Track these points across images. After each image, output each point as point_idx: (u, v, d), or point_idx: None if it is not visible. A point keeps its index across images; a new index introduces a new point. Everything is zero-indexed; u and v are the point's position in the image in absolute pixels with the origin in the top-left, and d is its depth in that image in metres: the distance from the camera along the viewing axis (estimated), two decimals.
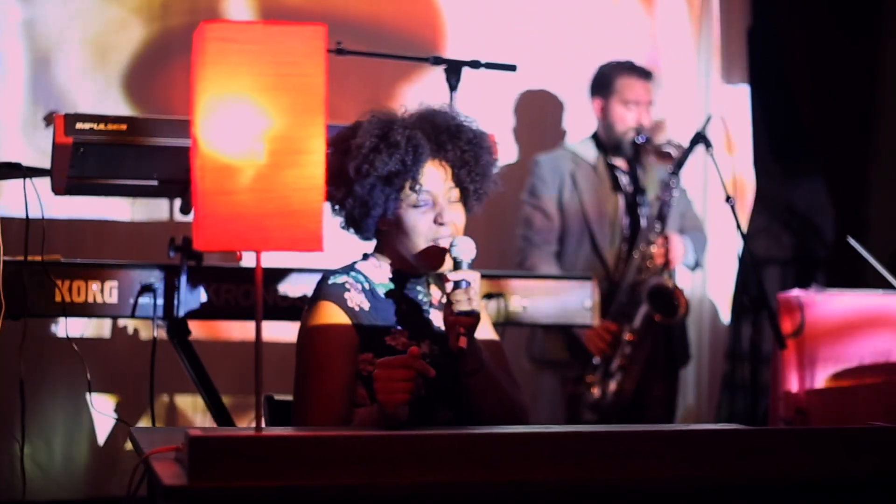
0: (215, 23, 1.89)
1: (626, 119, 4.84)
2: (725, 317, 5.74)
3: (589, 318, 3.95)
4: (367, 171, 2.64)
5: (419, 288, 2.80)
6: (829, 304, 4.36)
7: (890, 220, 6.05)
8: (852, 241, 4.42)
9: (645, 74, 4.92)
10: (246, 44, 1.89)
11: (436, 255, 2.69)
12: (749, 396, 4.82)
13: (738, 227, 4.32)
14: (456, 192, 2.72)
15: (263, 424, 2.81)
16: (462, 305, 2.53)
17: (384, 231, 2.75)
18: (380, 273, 2.77)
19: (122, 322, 4.69)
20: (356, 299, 2.70)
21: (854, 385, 4.20)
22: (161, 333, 3.59)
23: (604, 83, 4.92)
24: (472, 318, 2.55)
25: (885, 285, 4.38)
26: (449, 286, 2.57)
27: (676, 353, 4.98)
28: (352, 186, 2.66)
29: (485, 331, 2.80)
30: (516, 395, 2.77)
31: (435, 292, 2.83)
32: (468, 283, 2.56)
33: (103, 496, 4.76)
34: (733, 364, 5.89)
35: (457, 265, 2.60)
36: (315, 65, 1.91)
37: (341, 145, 2.69)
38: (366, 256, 2.82)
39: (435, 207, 2.68)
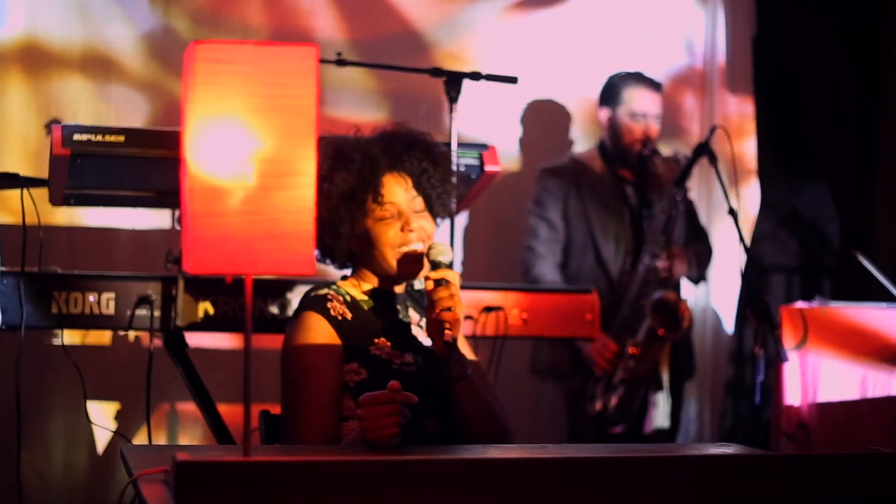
0: (205, 43, 1.87)
1: (633, 131, 4.82)
2: (729, 327, 5.71)
3: (590, 331, 3.92)
4: (328, 191, 2.69)
5: (398, 307, 2.83)
6: (832, 316, 4.33)
7: (895, 229, 6.02)
8: (857, 254, 4.40)
9: (654, 86, 4.89)
10: (236, 64, 1.87)
11: (413, 260, 2.73)
12: (752, 404, 4.79)
13: (741, 239, 4.29)
14: (420, 201, 2.77)
15: (259, 443, 2.82)
16: (445, 302, 2.58)
17: (357, 252, 2.80)
18: (360, 292, 2.81)
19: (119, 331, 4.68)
20: (338, 309, 2.73)
21: (857, 399, 4.17)
22: (158, 344, 3.58)
23: (612, 94, 4.89)
24: (456, 314, 2.59)
25: (890, 298, 4.36)
26: (430, 285, 2.61)
27: (681, 366, 4.95)
28: (317, 211, 2.67)
29: (464, 351, 2.81)
30: (502, 412, 2.77)
31: (413, 315, 2.86)
32: (447, 282, 2.60)
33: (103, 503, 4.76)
34: (738, 368, 5.87)
35: (435, 266, 2.66)
36: (306, 86, 1.89)
37: None
38: (345, 277, 2.86)
39: (401, 217, 2.74)
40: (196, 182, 1.86)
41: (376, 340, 2.73)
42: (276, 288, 3.62)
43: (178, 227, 4.29)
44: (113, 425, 4.67)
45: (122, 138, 3.38)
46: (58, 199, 3.58)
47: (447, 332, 2.57)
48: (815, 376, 4.26)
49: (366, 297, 2.80)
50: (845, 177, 6.07)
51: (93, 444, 4.73)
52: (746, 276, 4.55)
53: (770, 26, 5.92)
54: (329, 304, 2.73)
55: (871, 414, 4.12)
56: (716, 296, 5.66)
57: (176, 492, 1.79)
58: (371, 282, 2.81)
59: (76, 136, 3.33)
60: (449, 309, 2.58)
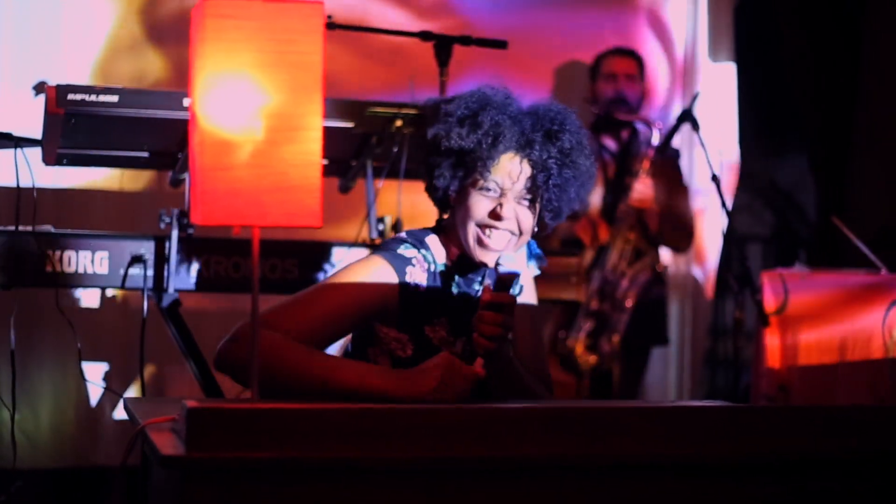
0: None
1: (606, 90, 5.04)
2: (709, 293, 5.78)
3: (576, 294, 3.98)
4: (442, 138, 2.53)
5: (476, 286, 2.66)
6: (812, 282, 4.40)
7: (871, 200, 6.09)
8: (837, 222, 4.47)
9: (625, 53, 5.14)
10: (245, 20, 1.91)
11: (481, 246, 2.55)
12: (730, 373, 4.86)
13: (724, 204, 4.36)
14: (529, 191, 2.56)
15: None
16: (487, 329, 2.40)
17: (453, 209, 2.62)
18: (443, 254, 2.64)
19: (110, 291, 4.70)
20: (416, 277, 2.57)
21: (836, 362, 4.25)
22: (151, 304, 3.61)
23: (594, 69, 5.15)
24: (494, 345, 2.41)
25: (867, 264, 4.43)
26: (485, 296, 2.43)
27: (647, 330, 5.07)
28: (427, 155, 2.58)
29: (525, 295, 2.73)
30: (537, 386, 2.67)
31: None
32: (504, 308, 2.40)
33: (90, 465, 4.78)
34: (715, 341, 5.95)
35: (499, 281, 2.44)
36: (313, 42, 1.93)
37: (436, 112, 2.58)
38: (437, 230, 2.68)
39: (500, 199, 2.54)
40: (206, 136, 1.90)
41: (436, 320, 2.59)
42: (267, 248, 3.65)
43: (168, 188, 4.33)
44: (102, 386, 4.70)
45: (115, 98, 3.41)
46: (51, 159, 3.60)
47: (479, 358, 2.41)
48: (796, 340, 4.34)
49: (449, 264, 2.63)
50: (824, 147, 6.14)
51: (80, 405, 4.74)
52: (727, 242, 4.63)
53: None
54: (409, 269, 2.56)
55: (849, 376, 4.20)
56: (697, 262, 5.73)
57: (187, 437, 1.84)
58: (458, 246, 2.62)
59: (70, 96, 3.36)
60: (491, 338, 2.41)
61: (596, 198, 4.90)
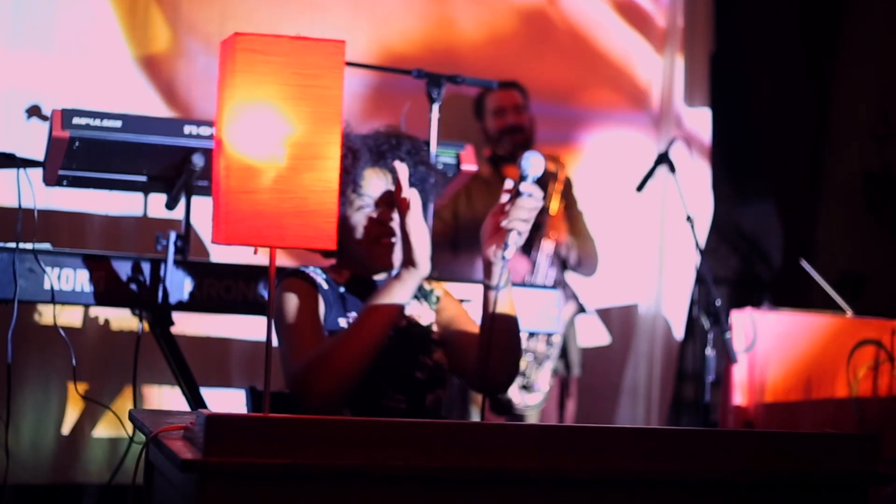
0: (245, 35, 2.04)
1: (498, 124, 5.18)
2: (679, 334, 5.91)
3: (554, 326, 4.12)
4: None
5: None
6: (780, 322, 4.55)
7: (837, 244, 6.27)
8: (804, 264, 4.63)
9: (506, 86, 5.22)
10: (272, 55, 2.05)
11: (383, 253, 2.86)
12: (695, 415, 4.98)
13: (697, 245, 4.50)
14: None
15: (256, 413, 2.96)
16: (521, 213, 2.66)
17: (338, 241, 2.85)
18: (339, 277, 2.94)
19: (93, 312, 4.77)
20: (319, 279, 2.87)
21: (801, 400, 4.40)
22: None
23: (478, 108, 5.27)
24: (518, 232, 2.66)
25: (832, 307, 4.58)
26: (505, 196, 2.68)
27: (565, 358, 5.26)
28: None
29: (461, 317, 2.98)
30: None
31: None
32: (529, 195, 2.66)
33: (68, 482, 4.83)
34: (680, 385, 6.09)
35: (522, 178, 2.68)
36: (334, 78, 2.07)
37: None
38: (329, 256, 3.02)
39: (377, 209, 2.87)
40: (231, 161, 2.04)
41: (349, 314, 2.86)
42: (254, 273, 3.75)
43: (152, 212, 4.44)
44: (81, 404, 4.75)
45: (119, 123, 3.53)
46: (52, 180, 3.71)
47: (510, 246, 2.64)
48: (763, 378, 4.48)
49: (343, 283, 2.92)
50: (792, 192, 6.31)
51: (60, 421, 4.78)
52: (699, 281, 4.77)
53: (728, 43, 6.15)
54: (310, 272, 2.87)
55: (815, 414, 4.35)
56: (667, 301, 5.86)
57: (205, 443, 1.96)
58: (350, 268, 2.93)
59: (76, 120, 3.48)
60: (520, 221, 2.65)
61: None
